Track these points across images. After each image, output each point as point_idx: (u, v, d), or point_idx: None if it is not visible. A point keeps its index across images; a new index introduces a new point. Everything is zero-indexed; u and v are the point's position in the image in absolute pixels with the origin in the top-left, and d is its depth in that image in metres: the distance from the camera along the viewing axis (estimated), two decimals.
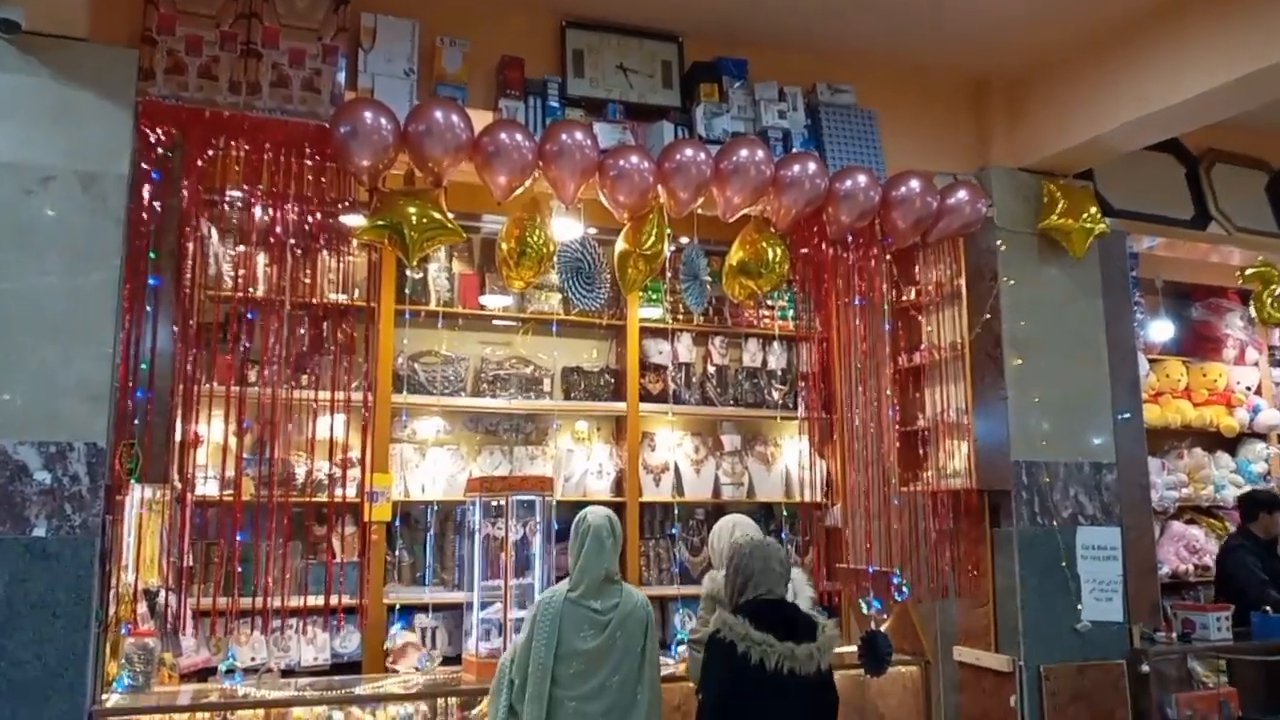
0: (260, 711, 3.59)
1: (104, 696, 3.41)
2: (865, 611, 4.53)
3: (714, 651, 3.06)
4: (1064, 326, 4.84)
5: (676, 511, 5.45)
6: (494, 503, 4.15)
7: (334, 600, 4.16)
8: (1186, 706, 4.55)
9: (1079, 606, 4.59)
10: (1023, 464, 4.62)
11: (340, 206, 3.83)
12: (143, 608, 3.82)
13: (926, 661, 4.47)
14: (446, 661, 4.44)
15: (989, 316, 4.70)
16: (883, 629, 4.28)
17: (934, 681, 4.55)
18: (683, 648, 4.07)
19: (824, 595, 4.92)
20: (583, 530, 3.40)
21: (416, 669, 4.10)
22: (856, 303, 4.73)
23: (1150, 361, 6.04)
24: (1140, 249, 5.54)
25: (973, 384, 4.71)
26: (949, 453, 4.80)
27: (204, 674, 4.17)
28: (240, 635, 4.31)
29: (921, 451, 4.95)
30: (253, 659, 4.23)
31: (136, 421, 3.38)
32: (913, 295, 5.05)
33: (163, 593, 3.89)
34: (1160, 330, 6.11)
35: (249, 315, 3.88)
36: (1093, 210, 4.83)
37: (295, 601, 4.22)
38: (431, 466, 5.12)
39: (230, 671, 3.77)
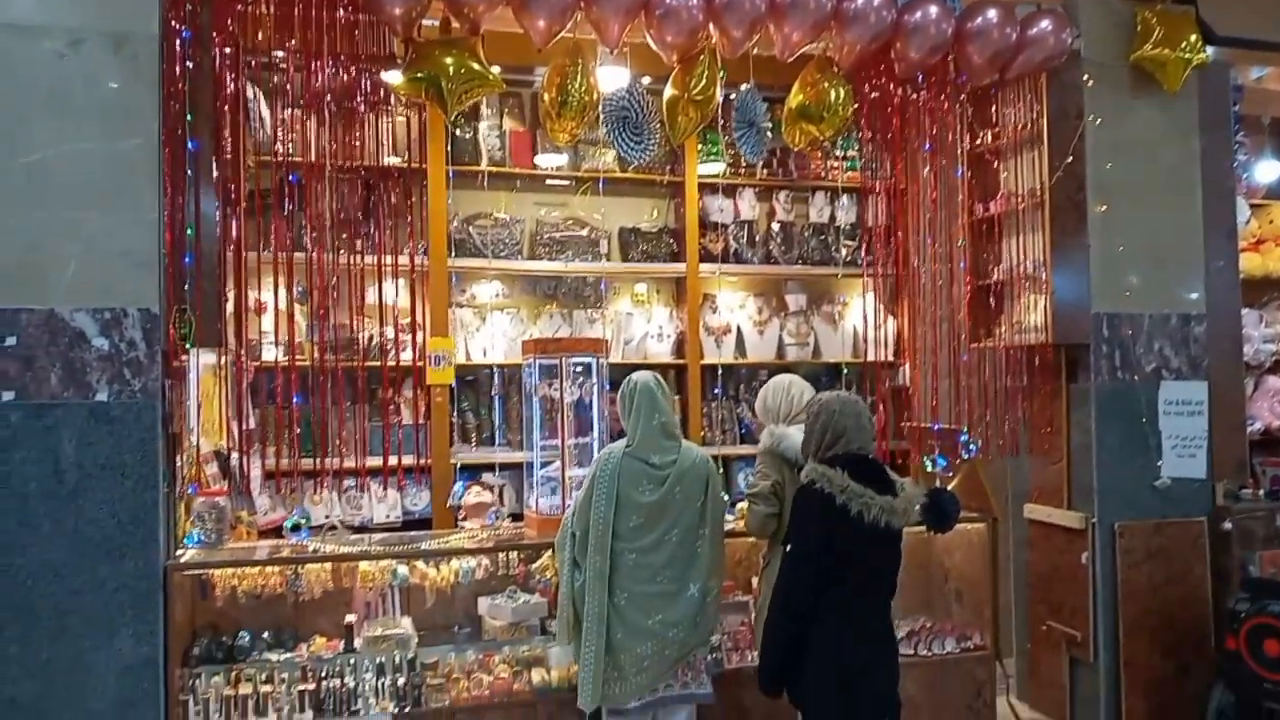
0: (329, 566, 3.71)
1: (178, 552, 3.56)
2: (930, 469, 4.44)
3: (809, 501, 2.97)
4: (1155, 169, 4.48)
5: (734, 374, 5.36)
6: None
7: (398, 461, 4.25)
8: (1271, 564, 4.39)
9: (1158, 463, 4.42)
10: (1104, 316, 4.38)
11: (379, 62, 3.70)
12: (213, 469, 3.95)
13: (994, 519, 4.38)
14: (513, 518, 4.52)
15: (1072, 160, 4.36)
16: (950, 487, 4.19)
17: (1002, 538, 4.46)
18: (742, 504, 4.05)
19: (889, 454, 4.84)
20: (631, 389, 3.45)
21: (486, 524, 4.19)
22: (927, 148, 4.45)
23: (1252, 206, 5.61)
24: (1246, 81, 5.06)
25: (1052, 233, 4.40)
26: (1025, 307, 4.56)
27: (281, 530, 4.33)
28: (314, 494, 4.46)
29: (994, 306, 4.73)
30: (326, 516, 4.36)
31: (187, 287, 3.40)
32: (989, 139, 4.72)
33: (232, 454, 4.02)
34: (1266, 172, 5.66)
35: (291, 178, 3.81)
36: (1192, 38, 4.38)
37: (364, 462, 4.34)
38: (492, 330, 5.11)
39: (296, 528, 3.90)
